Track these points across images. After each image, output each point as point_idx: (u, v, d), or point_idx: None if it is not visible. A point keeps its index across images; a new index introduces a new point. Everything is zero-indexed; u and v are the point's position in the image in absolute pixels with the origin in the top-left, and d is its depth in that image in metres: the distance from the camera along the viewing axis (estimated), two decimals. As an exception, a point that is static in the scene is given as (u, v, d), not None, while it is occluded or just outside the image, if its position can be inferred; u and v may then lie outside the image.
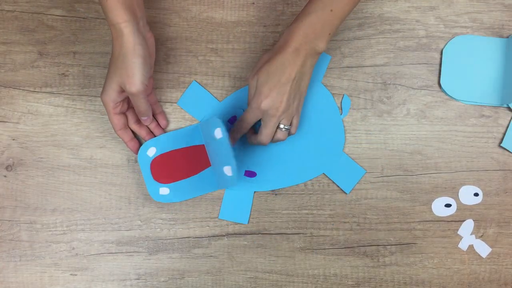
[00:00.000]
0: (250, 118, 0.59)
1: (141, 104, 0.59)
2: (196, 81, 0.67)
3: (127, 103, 0.62)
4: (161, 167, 0.64)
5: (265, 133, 0.59)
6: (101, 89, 0.67)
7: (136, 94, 0.56)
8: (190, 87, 0.67)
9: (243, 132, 0.62)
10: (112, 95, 0.58)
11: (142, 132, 0.64)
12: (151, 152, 0.64)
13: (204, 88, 0.67)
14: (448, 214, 0.67)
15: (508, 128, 0.67)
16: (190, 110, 0.67)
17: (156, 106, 0.66)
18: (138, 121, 0.64)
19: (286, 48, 0.56)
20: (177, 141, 0.65)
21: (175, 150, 0.64)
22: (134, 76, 0.55)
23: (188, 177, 0.64)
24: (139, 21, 0.55)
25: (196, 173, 0.64)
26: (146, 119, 0.62)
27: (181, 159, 0.64)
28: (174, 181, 0.64)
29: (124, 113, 0.63)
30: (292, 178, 0.66)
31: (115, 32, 0.54)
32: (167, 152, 0.64)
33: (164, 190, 0.64)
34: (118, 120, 0.61)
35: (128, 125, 0.64)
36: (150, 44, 0.59)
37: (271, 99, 0.57)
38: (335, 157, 0.66)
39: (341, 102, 0.67)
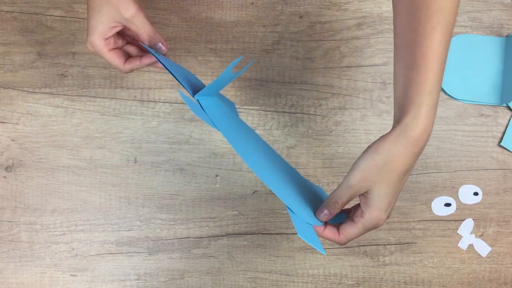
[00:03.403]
0: (363, 231, 0.47)
1: (147, 25, 0.52)
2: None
3: (121, 38, 0.55)
4: None
5: (352, 235, 0.48)
6: (101, 89, 0.67)
7: (137, 14, 0.51)
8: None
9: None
10: (100, 30, 0.51)
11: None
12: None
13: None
14: (448, 214, 0.67)
15: (508, 127, 0.67)
16: None
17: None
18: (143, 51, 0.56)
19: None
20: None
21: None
22: None
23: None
24: None
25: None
26: (160, 47, 0.53)
27: None
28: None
29: (120, 49, 0.55)
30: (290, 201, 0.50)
31: None
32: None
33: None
34: (119, 54, 0.54)
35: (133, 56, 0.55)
36: None
37: (389, 214, 0.48)
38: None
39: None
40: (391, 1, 0.68)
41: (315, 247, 0.47)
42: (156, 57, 0.51)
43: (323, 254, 0.66)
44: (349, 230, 0.47)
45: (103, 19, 0.51)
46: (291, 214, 0.48)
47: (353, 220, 0.47)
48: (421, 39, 0.44)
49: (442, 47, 0.44)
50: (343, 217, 0.49)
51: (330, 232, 0.48)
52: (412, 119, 0.44)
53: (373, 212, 0.46)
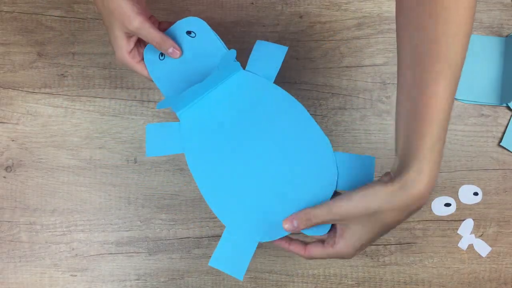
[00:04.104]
0: (327, 257, 0.47)
1: (153, 34, 0.51)
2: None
3: (143, 47, 0.56)
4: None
5: (317, 257, 0.48)
6: (101, 90, 0.67)
7: (141, 26, 0.50)
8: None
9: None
10: (119, 45, 0.52)
11: None
12: None
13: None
14: (448, 214, 0.67)
15: (508, 127, 0.68)
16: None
17: None
18: None
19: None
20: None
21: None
22: (127, 11, 0.50)
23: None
24: None
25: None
26: (173, 51, 0.53)
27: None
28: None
29: None
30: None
31: None
32: None
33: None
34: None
35: None
36: None
37: (358, 252, 0.47)
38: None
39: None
40: (391, 1, 0.68)
41: (231, 274, 0.49)
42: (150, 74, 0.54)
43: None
44: (315, 251, 0.47)
45: (117, 34, 0.52)
46: (224, 237, 0.50)
47: (323, 244, 0.47)
48: (424, 85, 0.42)
49: (445, 97, 0.42)
50: (326, 228, 0.48)
51: (295, 247, 0.49)
52: (415, 176, 0.41)
53: (346, 247, 0.45)
